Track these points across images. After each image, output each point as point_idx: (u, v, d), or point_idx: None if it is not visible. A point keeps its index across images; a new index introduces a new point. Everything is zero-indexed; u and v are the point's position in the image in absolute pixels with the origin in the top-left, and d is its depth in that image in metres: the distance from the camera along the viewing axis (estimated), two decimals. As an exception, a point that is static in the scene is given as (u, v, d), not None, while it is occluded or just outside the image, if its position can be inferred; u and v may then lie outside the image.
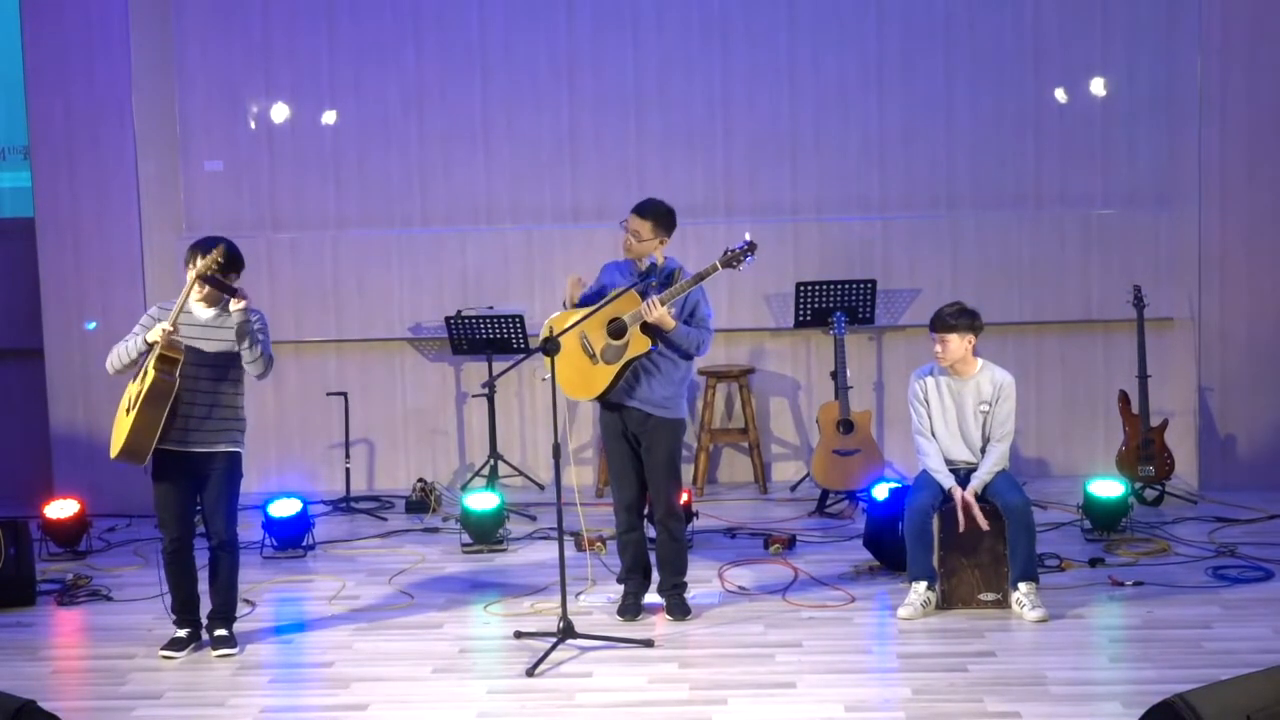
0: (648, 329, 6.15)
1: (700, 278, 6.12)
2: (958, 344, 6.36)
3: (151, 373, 5.82)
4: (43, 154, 8.87)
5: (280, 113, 9.41)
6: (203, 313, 6.05)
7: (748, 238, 6.20)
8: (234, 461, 6.10)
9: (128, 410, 5.90)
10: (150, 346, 5.91)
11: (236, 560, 6.21)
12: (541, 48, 9.25)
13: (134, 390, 5.93)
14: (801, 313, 8.77)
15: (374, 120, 9.36)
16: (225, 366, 6.03)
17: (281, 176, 9.42)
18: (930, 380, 6.51)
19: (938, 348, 6.38)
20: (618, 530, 6.50)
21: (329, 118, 9.39)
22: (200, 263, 5.89)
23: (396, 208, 9.40)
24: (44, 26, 8.76)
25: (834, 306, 8.62)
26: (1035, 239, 9.06)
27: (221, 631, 6.16)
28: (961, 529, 6.34)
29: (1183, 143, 8.83)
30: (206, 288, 5.98)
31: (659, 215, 6.31)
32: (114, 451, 5.94)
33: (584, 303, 6.33)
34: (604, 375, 6.24)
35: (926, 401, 6.50)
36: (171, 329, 5.86)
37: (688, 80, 9.21)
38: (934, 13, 9.08)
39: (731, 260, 6.12)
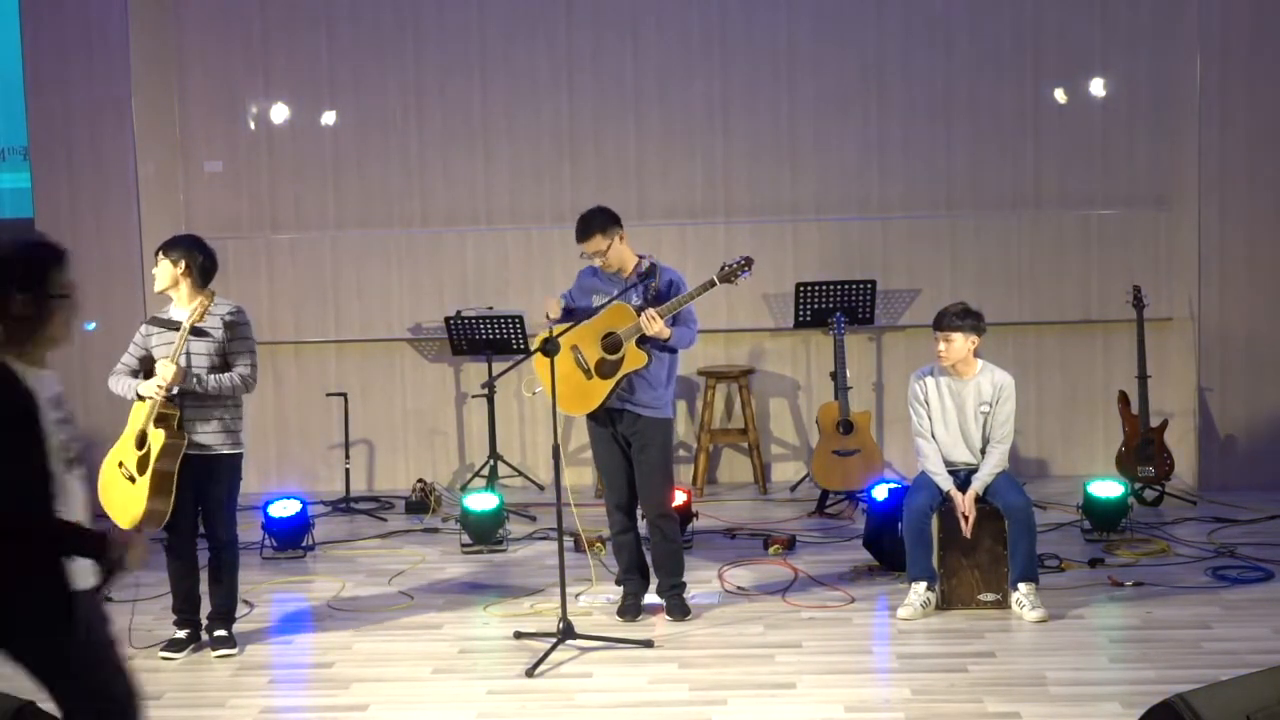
0: (643, 342, 6.17)
1: (699, 292, 6.15)
2: (961, 344, 6.35)
3: (159, 437, 5.83)
4: (42, 154, 8.87)
5: (280, 113, 9.41)
6: (177, 312, 6.04)
7: (745, 254, 6.28)
8: (233, 463, 6.09)
9: (130, 477, 5.88)
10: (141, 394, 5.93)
11: (236, 561, 6.21)
12: (541, 48, 9.25)
13: (127, 454, 5.90)
14: (801, 313, 8.77)
15: (374, 120, 9.35)
16: (217, 367, 6.02)
17: (281, 177, 9.42)
18: (930, 381, 6.50)
19: (941, 346, 6.38)
20: (612, 531, 6.51)
21: (329, 118, 9.39)
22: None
23: (396, 208, 9.40)
24: (44, 26, 8.76)
25: (834, 307, 8.62)
26: (1035, 239, 9.06)
27: (221, 632, 6.16)
28: (967, 535, 6.34)
29: (1183, 143, 8.83)
30: (182, 286, 6.00)
31: (601, 224, 6.26)
32: (127, 522, 5.86)
33: (567, 315, 6.37)
34: (599, 390, 6.25)
35: (926, 403, 6.49)
36: (165, 386, 5.84)
37: (687, 80, 9.21)
38: (934, 13, 9.08)
39: (729, 276, 6.19)
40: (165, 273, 6.02)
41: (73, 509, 3.72)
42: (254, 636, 6.36)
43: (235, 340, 6.03)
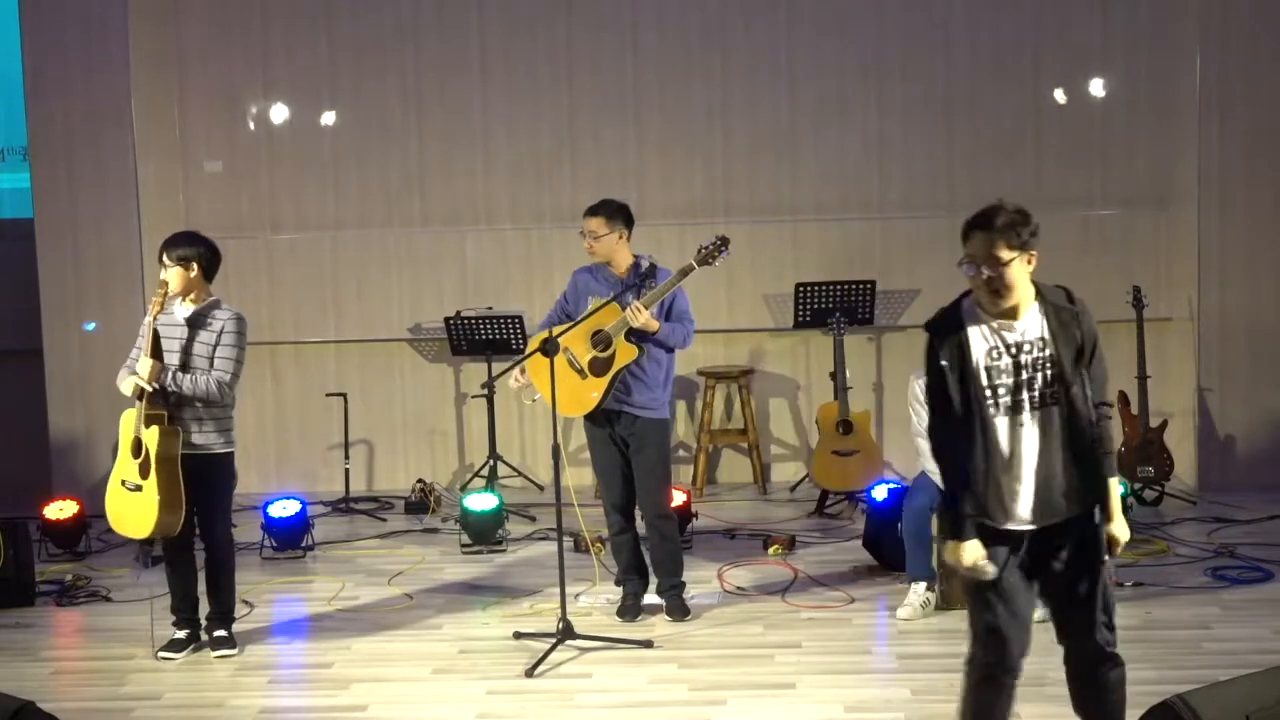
0: (633, 335, 6.16)
1: (678, 278, 6.15)
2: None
3: (153, 434, 5.80)
4: (42, 155, 8.87)
5: (280, 113, 9.40)
6: (180, 310, 6.03)
7: (720, 235, 6.27)
8: (225, 461, 6.06)
9: (136, 486, 5.83)
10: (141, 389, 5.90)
11: (231, 560, 6.20)
12: (541, 48, 9.24)
13: (127, 469, 5.86)
14: (801, 313, 8.77)
15: (374, 120, 9.35)
16: (206, 366, 5.99)
17: (281, 177, 9.42)
18: (930, 380, 6.49)
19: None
20: (610, 532, 6.51)
21: (329, 118, 9.39)
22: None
23: (396, 208, 9.39)
24: (44, 27, 8.76)
25: (833, 307, 8.62)
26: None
27: (221, 632, 6.16)
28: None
29: (1183, 143, 8.82)
30: (174, 284, 5.98)
31: (610, 209, 6.32)
32: (146, 532, 5.91)
33: (566, 316, 6.39)
34: (595, 388, 6.24)
35: (926, 403, 6.48)
36: (149, 381, 5.82)
37: (687, 80, 9.21)
38: (934, 13, 9.08)
39: (707, 257, 6.17)
40: (178, 278, 5.97)
41: (1008, 450, 4.32)
42: (254, 636, 6.36)
43: (224, 346, 5.97)
